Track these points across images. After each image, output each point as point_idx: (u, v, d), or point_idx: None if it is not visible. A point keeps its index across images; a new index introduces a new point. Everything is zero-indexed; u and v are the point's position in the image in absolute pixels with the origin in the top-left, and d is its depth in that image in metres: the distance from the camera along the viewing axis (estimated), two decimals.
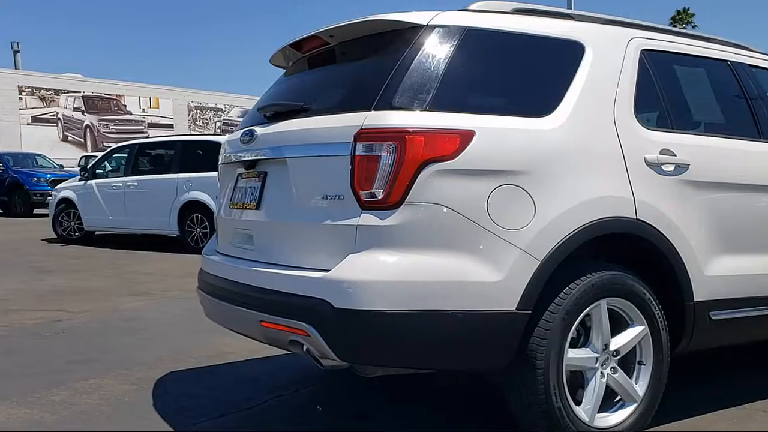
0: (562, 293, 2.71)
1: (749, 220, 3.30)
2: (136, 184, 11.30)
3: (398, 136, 2.54)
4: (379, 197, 2.54)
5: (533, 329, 2.67)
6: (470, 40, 2.81)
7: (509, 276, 2.59)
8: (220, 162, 3.63)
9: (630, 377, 2.94)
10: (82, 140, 34.61)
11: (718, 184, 3.19)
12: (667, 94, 3.24)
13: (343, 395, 3.78)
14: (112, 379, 3.99)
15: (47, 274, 8.48)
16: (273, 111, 3.10)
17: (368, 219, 2.55)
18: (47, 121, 33.52)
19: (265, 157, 3.02)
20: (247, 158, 3.14)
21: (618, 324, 2.92)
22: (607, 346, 2.87)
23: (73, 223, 12.03)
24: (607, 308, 2.85)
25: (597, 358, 2.84)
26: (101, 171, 12.30)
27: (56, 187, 13.13)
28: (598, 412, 2.85)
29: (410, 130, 2.55)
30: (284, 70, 3.66)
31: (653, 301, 2.95)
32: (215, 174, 11.09)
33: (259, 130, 3.07)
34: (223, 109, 42.17)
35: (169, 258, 10.05)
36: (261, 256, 2.99)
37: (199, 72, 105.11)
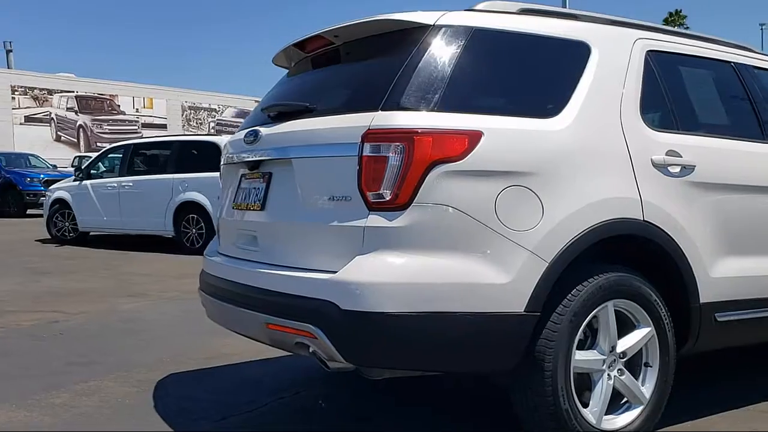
0: (569, 295, 2.70)
1: (754, 222, 3.30)
2: (131, 184, 11.24)
3: (406, 136, 2.52)
4: (387, 198, 2.52)
5: (541, 331, 2.65)
6: (477, 41, 2.79)
7: (517, 278, 2.57)
8: (222, 163, 3.61)
9: (636, 379, 2.93)
10: (76, 140, 34.49)
11: (723, 186, 3.18)
12: (673, 94, 3.23)
13: (346, 397, 3.76)
14: (112, 381, 3.96)
15: (42, 275, 8.42)
16: (277, 111, 3.07)
17: (376, 220, 2.53)
18: (40, 121, 33.39)
19: (269, 158, 3.00)
20: (251, 159, 3.11)
21: (624, 326, 2.91)
22: (614, 347, 2.85)
23: (67, 223, 11.96)
24: (614, 310, 2.84)
25: (604, 360, 2.83)
26: (96, 171, 12.24)
27: (50, 188, 13.05)
28: (605, 414, 2.84)
29: (419, 130, 2.53)
30: (287, 71, 3.64)
31: (660, 303, 2.94)
32: (211, 174, 11.17)
33: (263, 131, 3.05)
34: (217, 109, 42.11)
35: (164, 259, 10.01)
36: (265, 257, 2.96)
37: (198, 72, 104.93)
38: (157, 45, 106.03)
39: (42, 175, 18.70)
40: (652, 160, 2.97)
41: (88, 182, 11.78)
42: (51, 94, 33.96)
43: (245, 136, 3.14)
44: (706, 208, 3.10)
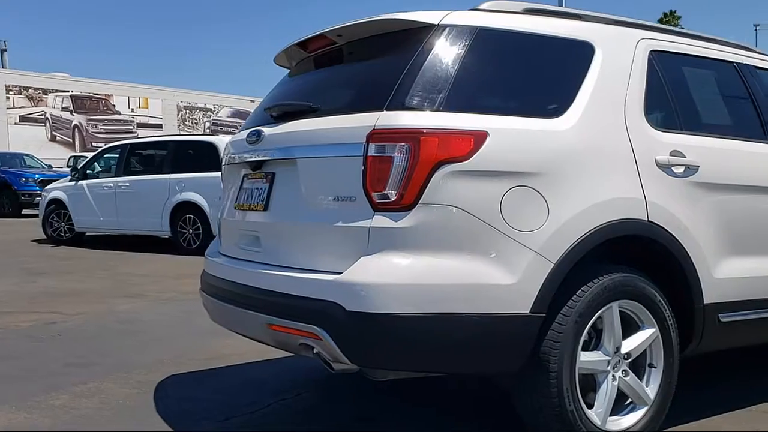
0: (575, 296, 2.69)
1: (757, 222, 3.30)
2: (127, 184, 11.20)
3: (412, 136, 2.51)
4: (392, 199, 2.51)
5: (546, 332, 2.64)
6: (482, 40, 2.78)
7: (523, 278, 2.56)
8: (223, 163, 3.58)
9: (641, 380, 2.92)
10: (71, 140, 34.38)
11: (727, 186, 3.18)
12: (676, 94, 3.23)
13: (349, 398, 3.74)
14: (112, 383, 3.93)
15: (39, 275, 8.38)
16: (280, 111, 3.06)
17: (381, 221, 2.51)
18: (35, 120, 33.27)
19: (273, 158, 2.98)
20: (253, 159, 3.09)
21: (629, 327, 2.90)
22: (618, 348, 2.85)
23: (63, 223, 11.91)
24: (619, 311, 2.83)
25: (609, 361, 2.82)
26: (92, 171, 12.19)
27: (46, 188, 13.00)
28: (609, 415, 2.83)
29: (424, 130, 2.52)
30: (288, 71, 3.62)
31: (664, 304, 2.93)
32: (208, 174, 11.14)
33: (266, 131, 3.03)
34: (213, 109, 42.02)
35: (161, 259, 9.98)
36: (268, 258, 2.95)
37: (196, 72, 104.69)
38: (155, 45, 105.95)
39: (37, 175, 18.62)
40: (656, 160, 2.96)
41: (84, 182, 11.74)
42: (46, 94, 33.84)
43: (248, 136, 3.12)
44: (710, 208, 3.10)
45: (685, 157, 3.04)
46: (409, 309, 2.46)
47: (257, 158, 3.07)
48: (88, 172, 12.06)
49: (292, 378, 4.06)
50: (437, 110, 2.59)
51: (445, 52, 2.70)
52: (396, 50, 2.81)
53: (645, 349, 2.92)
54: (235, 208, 3.29)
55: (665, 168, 2.98)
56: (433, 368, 2.74)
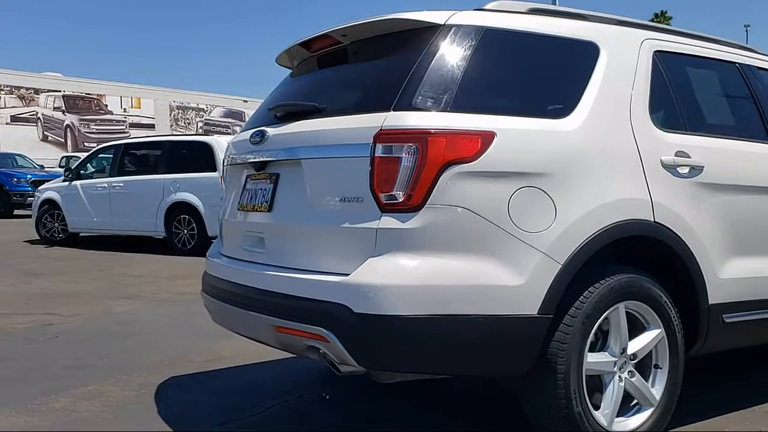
0: (581, 297, 2.68)
1: (761, 223, 3.30)
2: (122, 184, 11.13)
3: (420, 137, 2.49)
4: (400, 200, 2.49)
5: (554, 333, 2.63)
6: (488, 41, 2.77)
7: (531, 280, 2.55)
8: (225, 163, 3.56)
9: (646, 381, 2.92)
10: (63, 140, 34.22)
11: (731, 187, 3.18)
12: (680, 95, 3.23)
13: (352, 400, 3.73)
14: (113, 385, 3.90)
15: (33, 276, 8.32)
16: (285, 111, 3.03)
17: (389, 222, 2.50)
18: (26, 120, 33.10)
19: (277, 159, 2.96)
20: (257, 160, 3.07)
21: (634, 327, 2.89)
22: (624, 349, 2.84)
23: (57, 224, 11.83)
24: (625, 311, 2.83)
25: (615, 362, 2.82)
26: (86, 171, 12.12)
27: (39, 188, 12.88)
28: (615, 417, 2.83)
29: (432, 131, 2.50)
30: (290, 71, 3.60)
31: (669, 304, 2.93)
32: (203, 175, 11.12)
33: (270, 131, 3.00)
34: (205, 109, 41.92)
35: (156, 260, 9.92)
36: (273, 259, 2.92)
37: (195, 72, 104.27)
38: (153, 45, 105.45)
39: (29, 176, 18.46)
40: (661, 160, 2.96)
41: (77, 182, 11.66)
42: (37, 94, 33.67)
43: (251, 137, 3.09)
44: (715, 209, 3.10)
45: (690, 157, 3.04)
46: (417, 311, 2.44)
47: (261, 159, 3.04)
48: (81, 172, 11.97)
49: (294, 379, 4.04)
50: (444, 111, 2.58)
51: (452, 53, 2.69)
52: (402, 50, 2.80)
53: (651, 350, 2.92)
54: (238, 209, 3.26)
55: (670, 168, 2.98)
56: (441, 370, 2.73)
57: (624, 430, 2.84)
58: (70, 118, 34.68)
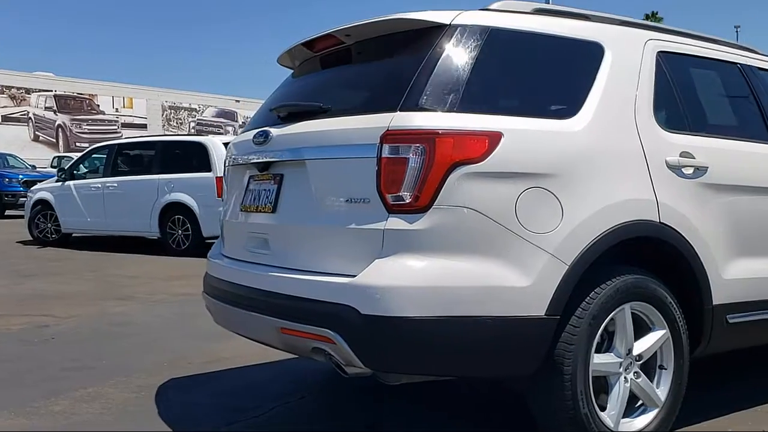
0: (588, 298, 2.67)
1: (764, 223, 3.30)
2: (116, 185, 11.07)
3: (427, 137, 2.48)
4: (407, 200, 2.48)
5: (560, 334, 2.62)
6: (494, 41, 2.76)
7: (538, 281, 2.54)
8: (226, 164, 3.53)
9: (651, 381, 2.91)
10: (54, 140, 34.04)
11: (735, 187, 3.18)
12: (683, 95, 3.23)
13: (354, 401, 3.71)
14: (112, 387, 3.86)
15: (27, 277, 8.26)
16: (288, 111, 3.01)
17: (396, 223, 2.48)
18: (18, 120, 32.89)
19: (281, 159, 2.93)
20: (261, 160, 3.04)
21: (639, 328, 2.89)
22: (630, 350, 2.83)
23: (49, 224, 11.75)
24: (630, 312, 2.82)
25: (621, 363, 2.81)
26: (79, 172, 12.04)
27: (32, 189, 12.79)
28: (621, 417, 2.82)
29: (440, 131, 2.49)
30: (291, 71, 3.58)
31: (674, 305, 2.92)
32: (198, 175, 11.09)
33: (274, 132, 2.98)
34: (198, 108, 41.79)
35: (150, 260, 9.87)
36: (277, 260, 2.90)
37: (194, 72, 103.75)
38: (149, 45, 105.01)
39: (21, 176, 18.36)
40: (666, 161, 2.96)
41: (71, 183, 11.59)
42: (29, 93, 33.48)
43: (254, 137, 3.07)
44: (719, 209, 3.10)
45: (694, 158, 3.04)
46: (425, 312, 2.43)
47: (265, 159, 3.02)
48: (75, 172, 11.90)
49: (295, 380, 4.02)
50: (451, 111, 2.57)
51: (458, 53, 2.68)
52: (407, 50, 2.79)
53: (656, 351, 2.92)
54: (240, 210, 3.23)
55: (675, 169, 2.97)
56: (448, 372, 2.72)
57: (630, 431, 2.83)
58: (61, 118, 34.50)
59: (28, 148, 30.50)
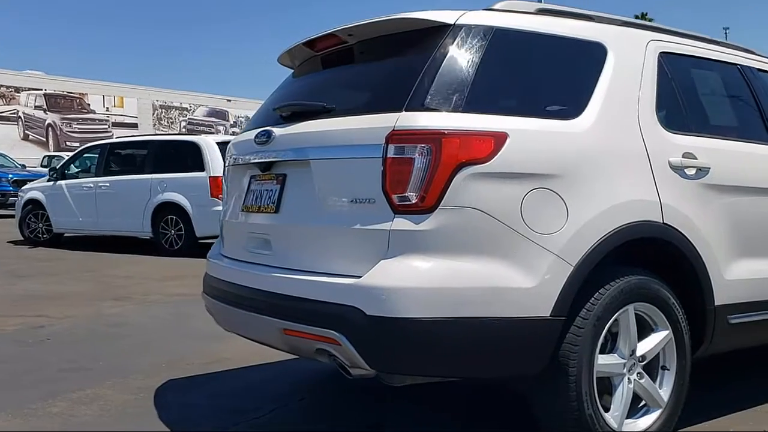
0: (592, 299, 2.67)
1: (766, 224, 3.31)
2: (108, 184, 11.01)
3: (433, 137, 2.47)
4: (413, 201, 2.46)
5: (565, 335, 2.61)
6: (499, 41, 2.75)
7: (544, 282, 2.53)
8: (227, 164, 3.51)
9: (654, 382, 2.91)
10: (44, 139, 33.81)
11: (737, 188, 3.19)
12: (686, 96, 3.24)
13: (355, 401, 3.69)
14: (110, 389, 3.83)
15: (19, 278, 8.20)
16: (291, 111, 2.99)
17: (402, 223, 2.47)
18: (7, 119, 32.65)
19: (284, 159, 2.92)
20: (263, 160, 3.03)
21: (642, 329, 2.89)
22: (633, 351, 2.83)
23: (41, 224, 11.67)
24: (634, 313, 2.82)
25: (624, 364, 2.81)
26: (70, 171, 11.97)
27: (23, 188, 12.70)
28: (625, 418, 2.82)
29: (445, 131, 2.48)
30: (291, 71, 3.56)
31: (677, 306, 2.93)
32: (191, 175, 11.04)
33: (277, 131, 2.96)
34: (189, 108, 41.62)
35: (142, 261, 9.82)
36: (280, 261, 2.88)
37: (197, 72, 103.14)
38: (147, 45, 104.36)
39: (11, 175, 18.24)
40: (669, 162, 2.96)
41: (62, 182, 11.51)
42: (18, 92, 33.25)
43: (256, 137, 3.05)
44: (721, 210, 3.10)
45: (696, 159, 3.05)
46: (431, 313, 2.42)
47: (267, 159, 3.00)
48: (66, 172, 11.83)
49: (295, 381, 4.00)
50: (457, 111, 2.56)
51: (463, 53, 2.67)
52: (411, 50, 2.77)
53: (659, 352, 2.92)
54: (241, 210, 3.21)
55: (678, 170, 2.98)
56: (453, 373, 2.71)
57: (633, 431, 2.84)
58: (51, 117, 34.27)
59: (17, 148, 30.24)
